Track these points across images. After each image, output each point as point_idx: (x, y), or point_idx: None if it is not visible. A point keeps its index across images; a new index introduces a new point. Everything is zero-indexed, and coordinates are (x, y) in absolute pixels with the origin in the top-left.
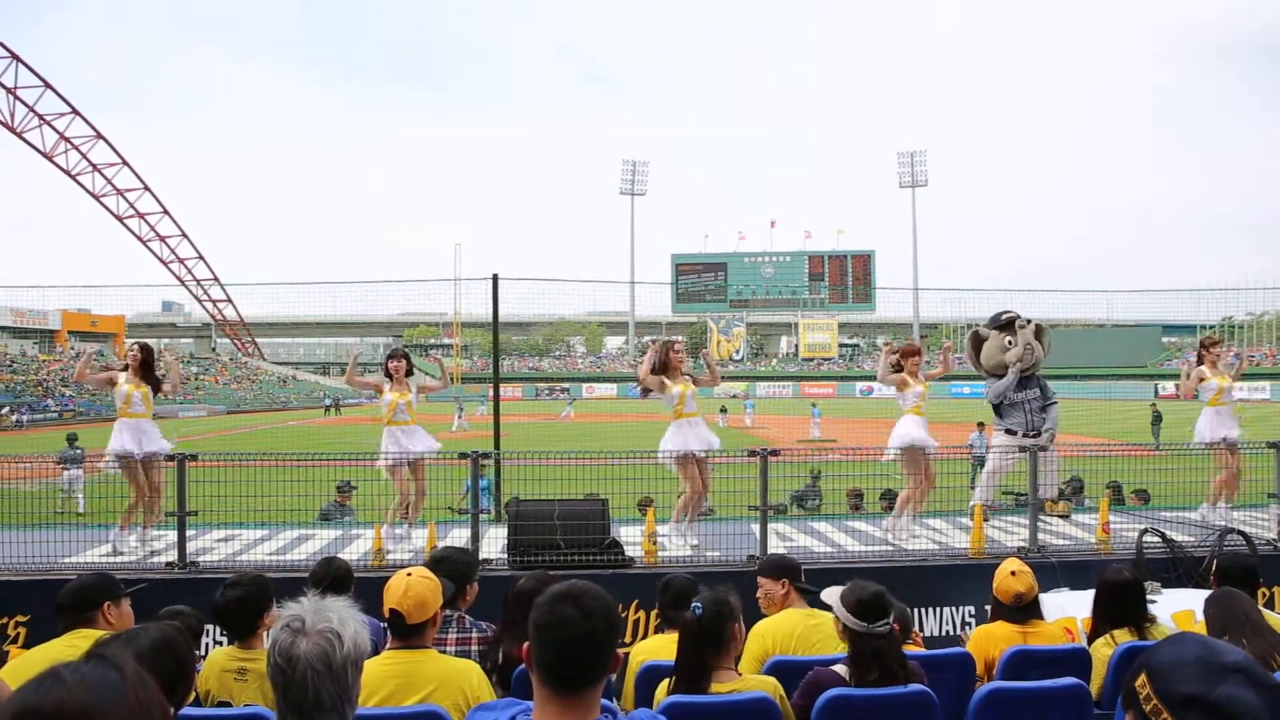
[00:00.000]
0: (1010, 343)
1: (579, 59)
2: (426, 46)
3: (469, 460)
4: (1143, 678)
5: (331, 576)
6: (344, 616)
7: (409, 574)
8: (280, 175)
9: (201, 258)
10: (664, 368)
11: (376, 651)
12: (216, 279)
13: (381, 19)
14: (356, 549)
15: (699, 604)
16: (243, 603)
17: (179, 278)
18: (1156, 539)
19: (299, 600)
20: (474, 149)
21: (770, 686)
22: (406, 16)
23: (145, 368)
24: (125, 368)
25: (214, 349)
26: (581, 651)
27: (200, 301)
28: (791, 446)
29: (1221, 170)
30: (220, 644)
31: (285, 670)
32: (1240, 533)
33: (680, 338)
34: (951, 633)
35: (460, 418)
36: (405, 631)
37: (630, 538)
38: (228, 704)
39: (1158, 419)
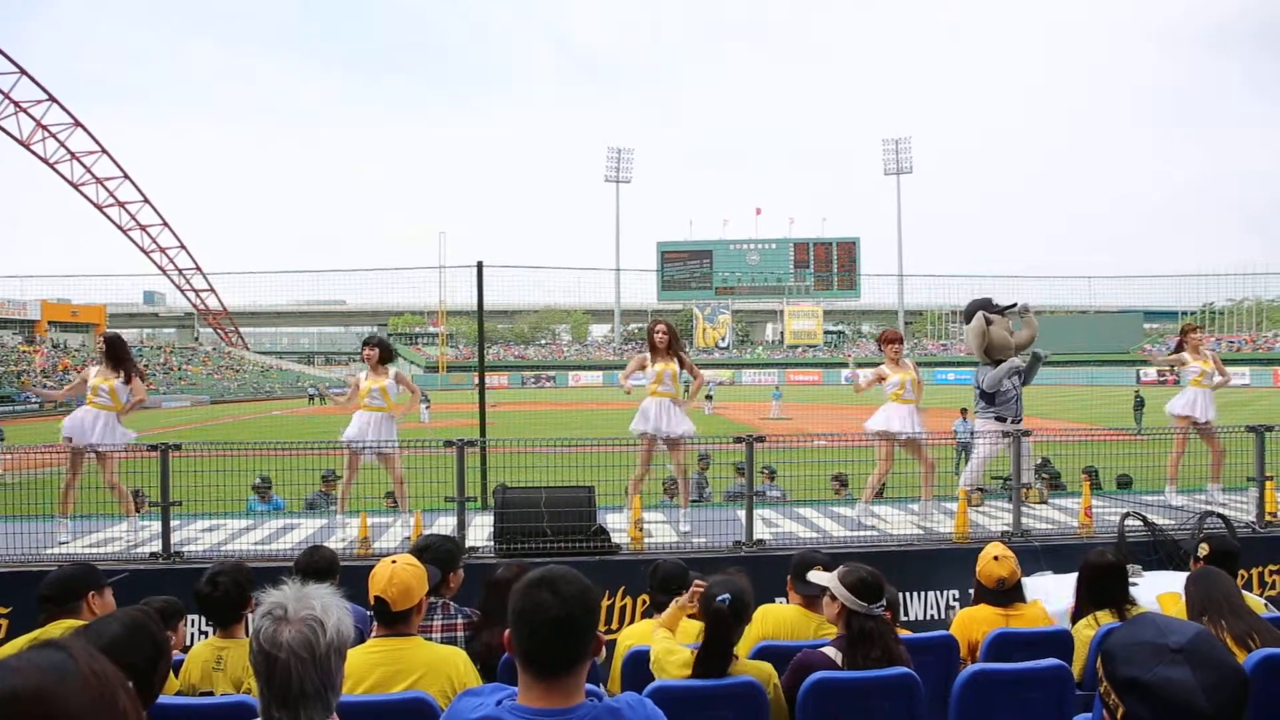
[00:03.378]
0: (1010, 330)
1: (563, 47)
2: (411, 35)
3: (455, 449)
4: (1100, 660)
5: (316, 565)
6: (327, 604)
7: (394, 561)
8: (264, 164)
9: (183, 247)
10: (652, 349)
11: (362, 639)
12: (199, 268)
13: (367, 7)
14: (342, 537)
15: (727, 594)
16: (227, 591)
17: (160, 267)
18: (1138, 522)
19: (281, 588)
20: (459, 137)
21: (765, 673)
22: (392, 4)
23: (113, 359)
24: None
25: (196, 339)
26: (558, 636)
27: (183, 291)
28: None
29: (1209, 157)
30: (206, 634)
31: (268, 658)
32: (1220, 515)
33: (662, 320)
34: (936, 616)
35: (426, 409)
36: (390, 619)
37: (617, 524)
38: (210, 693)
39: (1140, 404)
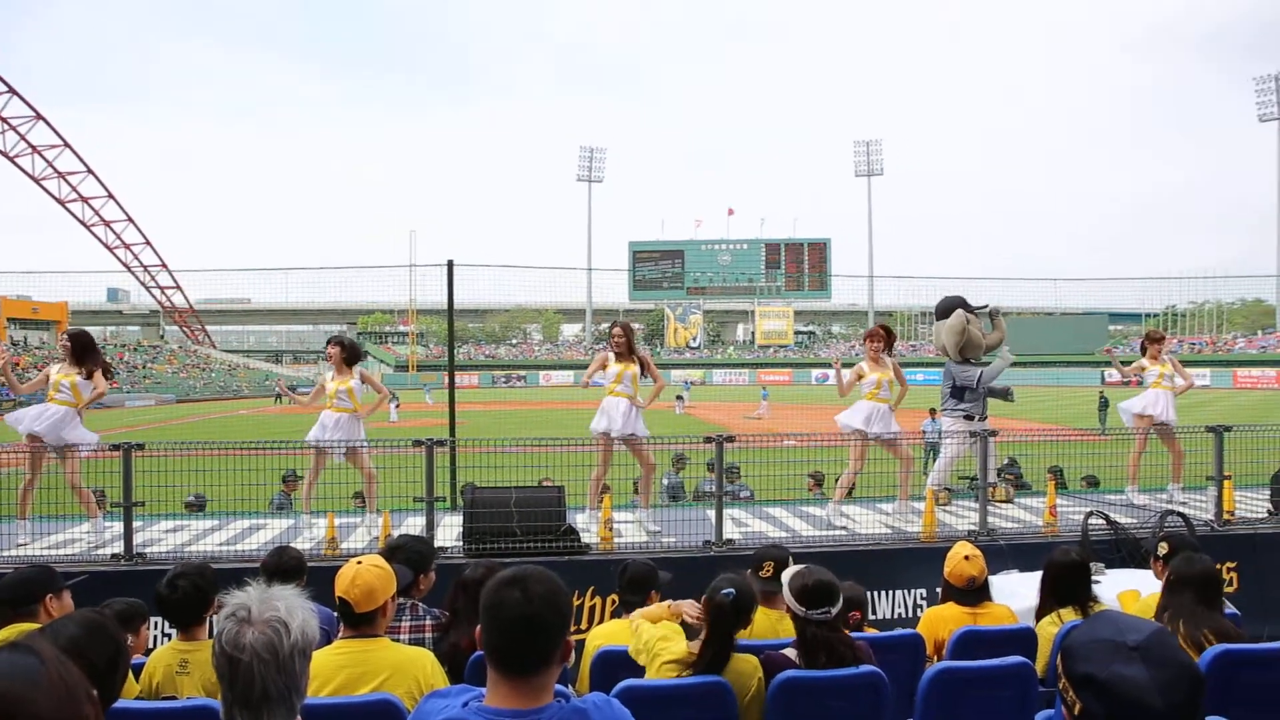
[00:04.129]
0: (982, 331)
1: (537, 45)
2: (381, 31)
3: (424, 448)
4: (1059, 658)
5: (284, 566)
6: (291, 605)
7: (359, 562)
8: (232, 161)
9: (149, 243)
10: (613, 351)
11: (329, 641)
12: (164, 265)
13: (335, 2)
14: (310, 538)
15: (731, 589)
16: (187, 594)
17: (125, 264)
18: (1101, 521)
19: (245, 589)
20: (428, 135)
21: (751, 665)
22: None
23: (77, 355)
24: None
25: (162, 336)
26: (525, 634)
27: (148, 288)
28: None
29: (1180, 161)
30: (169, 637)
31: (231, 661)
32: (1180, 514)
33: (618, 322)
34: (904, 615)
35: (395, 408)
36: (356, 620)
37: (587, 524)
38: (173, 698)
39: (1104, 405)
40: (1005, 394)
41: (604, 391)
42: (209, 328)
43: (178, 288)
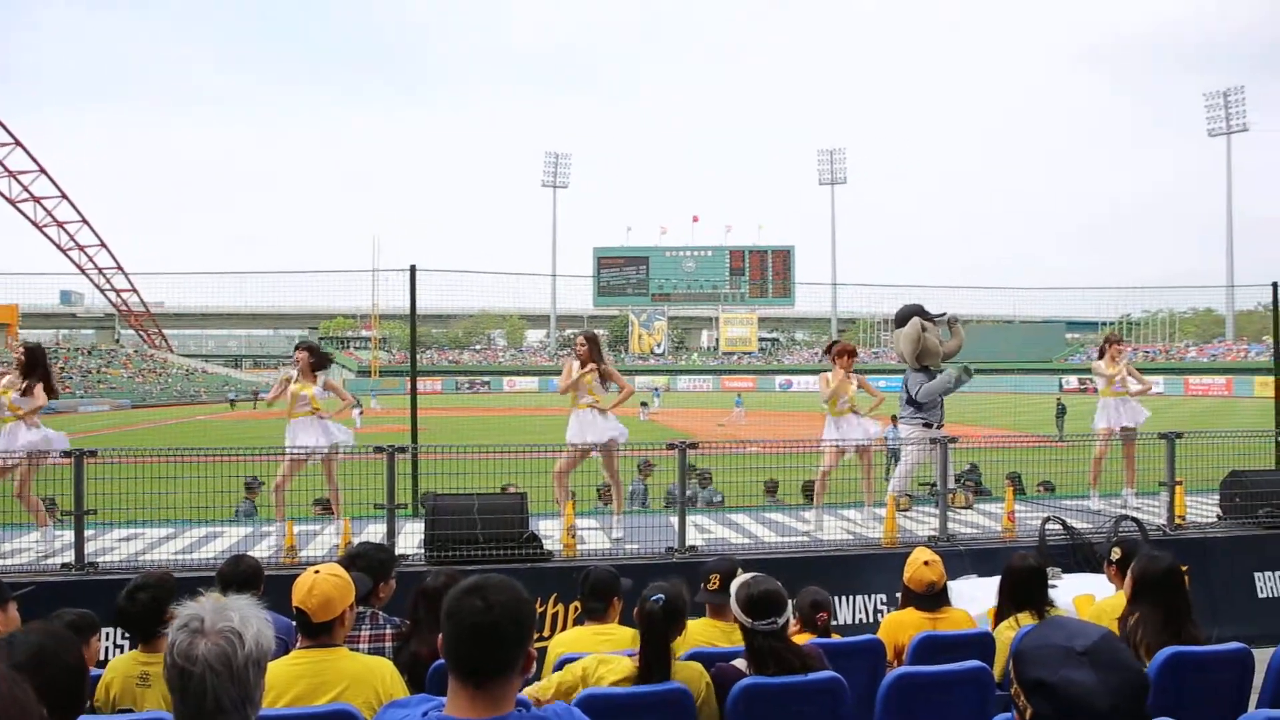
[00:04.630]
0: (939, 339)
1: (503, 49)
2: (341, 32)
3: (385, 455)
4: (1012, 662)
5: (240, 575)
6: (246, 615)
7: (316, 571)
8: (193, 161)
9: (104, 245)
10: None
11: (287, 651)
12: (120, 268)
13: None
14: (268, 546)
15: (661, 594)
16: (146, 606)
17: (79, 266)
18: (1058, 527)
19: (199, 600)
20: (393, 139)
21: (696, 672)
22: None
23: (26, 369)
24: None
25: (118, 340)
26: (484, 642)
27: (103, 291)
28: (711, 440)
29: (1139, 171)
30: (122, 648)
31: (182, 673)
32: (1134, 519)
33: (583, 332)
34: (865, 620)
35: (359, 415)
36: (313, 630)
37: (550, 531)
38: (130, 710)
39: (1062, 412)
40: (964, 373)
41: (569, 402)
42: (166, 331)
43: (134, 290)
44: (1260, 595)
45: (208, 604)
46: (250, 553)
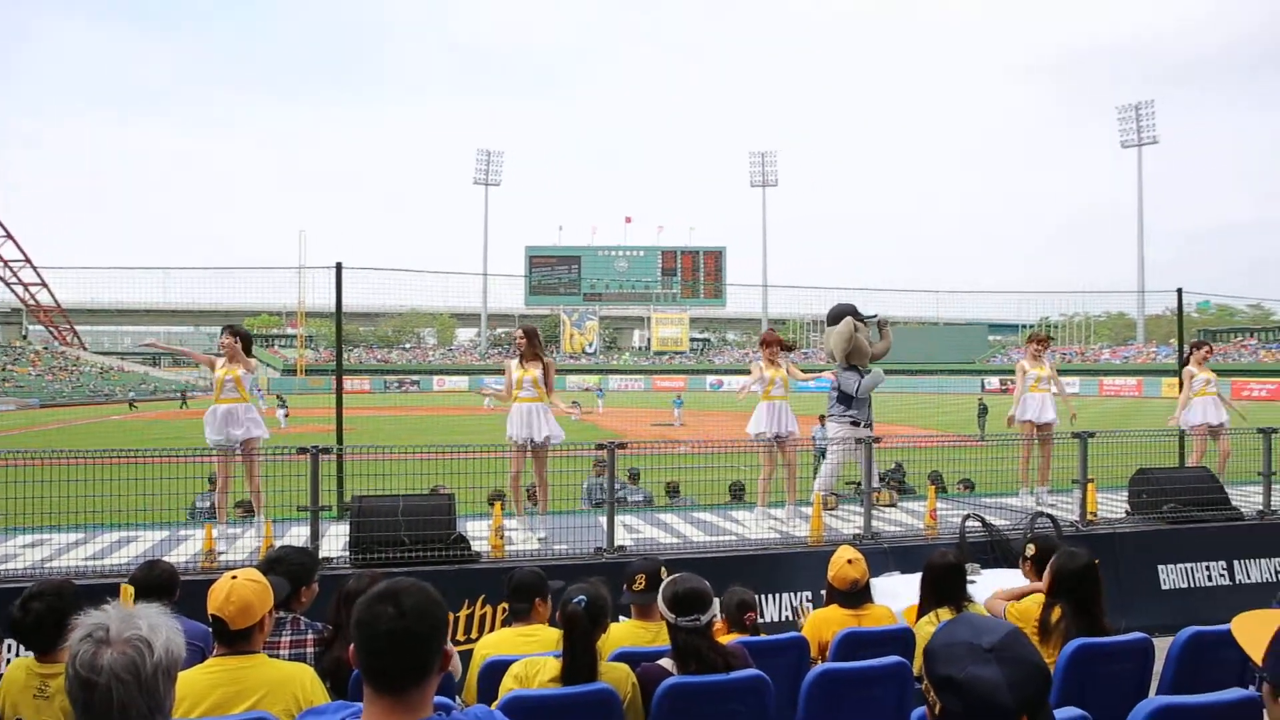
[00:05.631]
0: (869, 340)
1: (434, 45)
2: (271, 26)
3: (309, 455)
4: (922, 659)
5: (154, 581)
6: (155, 623)
7: (234, 577)
8: (112, 156)
9: (10, 237)
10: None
11: (204, 658)
12: (28, 260)
13: None
14: (186, 550)
15: (583, 596)
16: (41, 616)
17: None
18: (977, 524)
19: (104, 608)
20: (324, 135)
21: (622, 673)
22: None
23: None
24: None
25: (25, 337)
26: (397, 649)
27: (9, 285)
28: (643, 439)
29: (1059, 179)
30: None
31: (85, 684)
32: (1049, 516)
33: (521, 327)
34: (791, 618)
35: (284, 416)
36: (230, 637)
37: (478, 532)
38: None
39: (983, 411)
40: (880, 327)
41: (511, 399)
42: (80, 328)
43: (43, 285)
44: (1164, 587)
45: (114, 612)
46: (167, 557)
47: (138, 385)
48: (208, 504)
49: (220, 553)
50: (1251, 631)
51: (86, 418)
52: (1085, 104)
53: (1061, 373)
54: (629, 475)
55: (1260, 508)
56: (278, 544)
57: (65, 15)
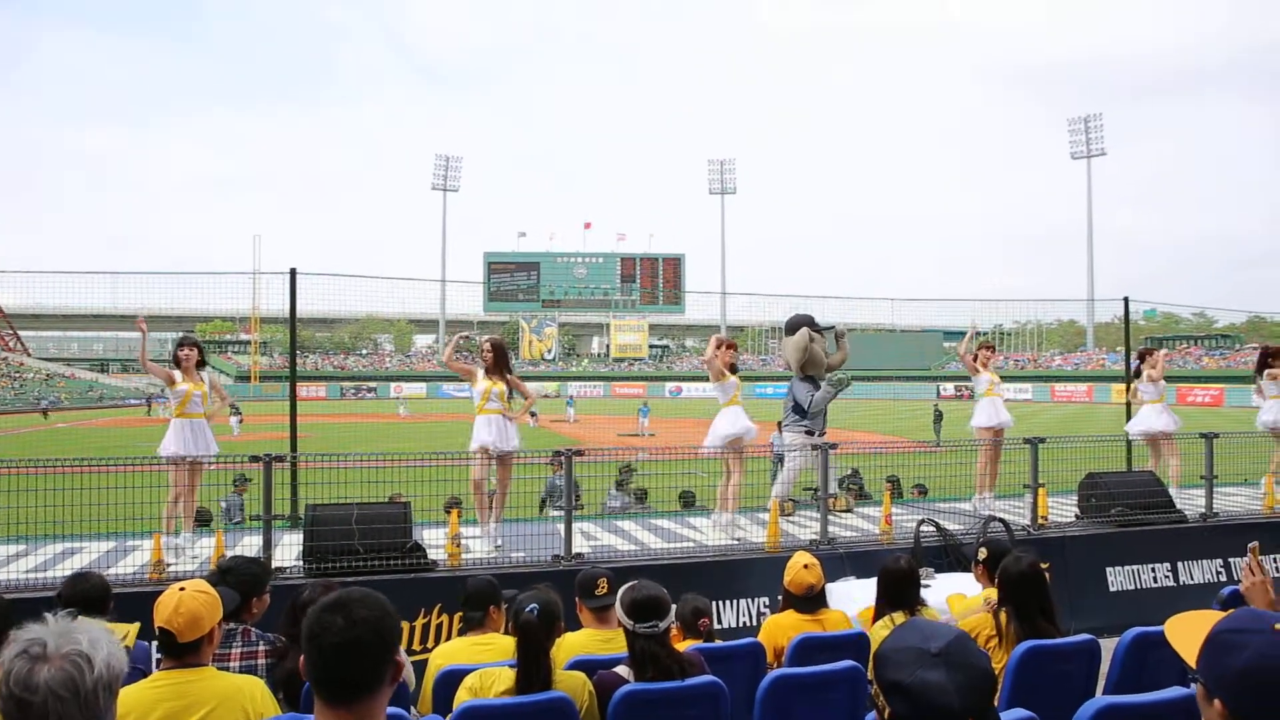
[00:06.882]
0: (826, 351)
1: (391, 50)
2: (226, 30)
3: (261, 464)
4: (871, 664)
5: (85, 595)
6: (95, 638)
7: (181, 588)
8: (60, 159)
9: None
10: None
11: (147, 674)
12: None
13: None
14: (134, 561)
15: (535, 604)
16: None
17: None
18: (931, 529)
19: (41, 622)
20: (281, 140)
21: (579, 681)
22: None
23: None
24: None
25: None
26: (347, 661)
27: None
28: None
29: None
30: None
31: (20, 703)
32: (1001, 520)
33: (489, 339)
34: (748, 624)
35: (238, 422)
36: (178, 650)
37: (436, 540)
38: None
39: (939, 417)
40: (842, 382)
41: (474, 410)
42: (22, 333)
43: None
44: (1111, 589)
45: (52, 627)
46: (114, 570)
47: (85, 392)
48: (239, 501)
49: (169, 564)
50: (1185, 633)
51: (30, 425)
52: (1042, 115)
53: (1014, 379)
54: (616, 483)
55: (1203, 510)
56: (229, 554)
57: (28, 18)
